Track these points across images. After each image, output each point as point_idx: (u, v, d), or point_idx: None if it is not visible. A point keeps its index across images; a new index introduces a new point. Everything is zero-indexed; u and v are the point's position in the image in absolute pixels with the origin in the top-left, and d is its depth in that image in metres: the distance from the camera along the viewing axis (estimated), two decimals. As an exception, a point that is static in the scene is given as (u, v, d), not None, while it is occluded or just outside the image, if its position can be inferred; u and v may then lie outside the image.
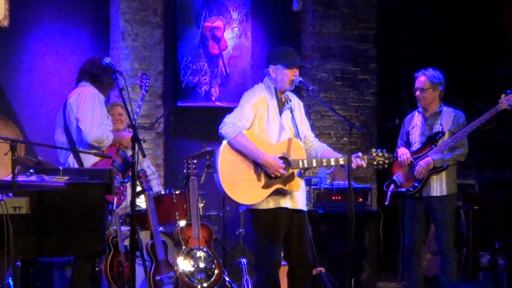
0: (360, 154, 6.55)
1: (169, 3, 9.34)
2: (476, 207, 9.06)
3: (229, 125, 6.45)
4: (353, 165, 6.43)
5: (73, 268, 6.73)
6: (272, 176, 6.40)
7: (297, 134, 6.61)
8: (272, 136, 6.54)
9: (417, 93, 7.95)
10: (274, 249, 6.57)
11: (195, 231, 7.82)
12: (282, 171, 6.39)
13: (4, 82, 8.70)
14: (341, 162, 6.55)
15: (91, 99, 6.76)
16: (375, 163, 6.57)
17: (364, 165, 6.51)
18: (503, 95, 7.57)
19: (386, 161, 6.59)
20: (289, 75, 6.54)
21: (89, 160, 6.74)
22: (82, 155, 6.71)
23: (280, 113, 6.61)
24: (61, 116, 6.91)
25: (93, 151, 6.57)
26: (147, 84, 7.58)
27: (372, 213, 9.01)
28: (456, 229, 8.13)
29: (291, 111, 6.64)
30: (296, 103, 6.72)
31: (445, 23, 10.20)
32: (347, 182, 6.39)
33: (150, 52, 9.13)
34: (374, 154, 6.58)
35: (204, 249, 7.84)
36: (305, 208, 6.66)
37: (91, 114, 6.70)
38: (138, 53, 9.06)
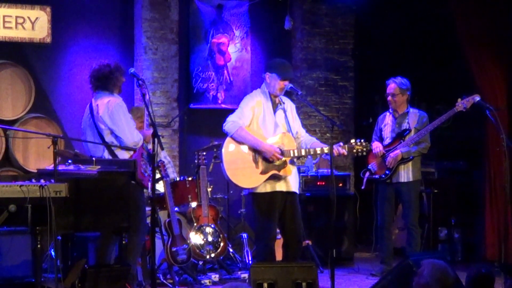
0: (341, 143, 6.53)
1: (183, 23, 9.32)
2: (436, 191, 9.05)
3: (230, 122, 6.51)
4: (335, 153, 6.42)
5: (105, 241, 6.70)
6: (270, 160, 6.40)
7: (289, 130, 6.60)
8: (268, 132, 6.56)
9: (389, 98, 7.95)
10: (270, 226, 6.57)
11: (205, 211, 7.81)
12: (278, 155, 6.39)
13: (47, 88, 8.68)
14: (326, 151, 6.53)
15: (120, 109, 6.53)
16: (354, 151, 6.55)
17: (345, 153, 6.49)
18: (459, 99, 7.57)
19: (364, 149, 6.56)
20: (280, 84, 6.56)
21: (122, 155, 6.65)
22: (117, 152, 6.61)
23: (274, 112, 6.61)
24: (91, 121, 6.67)
25: (118, 145, 6.54)
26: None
27: (350, 196, 8.98)
28: (419, 209, 8.13)
29: (284, 111, 6.64)
30: (289, 105, 6.72)
31: (410, 38, 10.19)
32: (329, 170, 6.36)
33: (168, 64, 9.10)
34: (353, 144, 6.56)
35: (212, 226, 7.83)
36: (297, 191, 6.65)
37: (126, 124, 6.46)
38: (157, 64, 9.03)
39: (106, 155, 6.63)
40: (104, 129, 6.58)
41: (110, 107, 6.54)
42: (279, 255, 7.71)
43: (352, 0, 9.83)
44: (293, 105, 6.79)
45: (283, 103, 6.66)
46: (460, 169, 9.53)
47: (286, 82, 6.58)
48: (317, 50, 9.92)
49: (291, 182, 6.58)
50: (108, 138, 6.59)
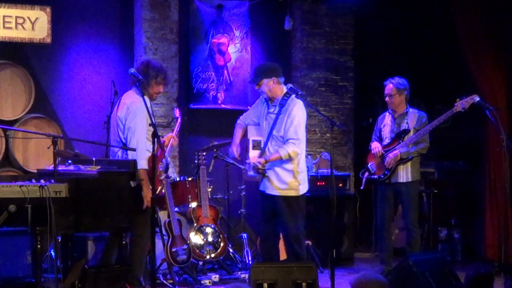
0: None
1: (183, 23, 9.32)
2: (435, 191, 9.06)
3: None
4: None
5: (105, 241, 6.70)
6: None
7: (268, 135, 6.73)
8: (258, 134, 6.86)
9: (386, 98, 7.97)
10: (260, 224, 6.92)
11: (205, 211, 7.82)
12: (233, 153, 6.84)
13: (47, 88, 8.68)
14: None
15: (138, 114, 6.46)
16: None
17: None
18: (458, 100, 7.59)
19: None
20: None
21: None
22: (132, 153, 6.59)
23: (266, 116, 6.75)
24: (114, 121, 6.71)
25: (121, 146, 6.53)
26: (181, 116, 7.80)
27: (350, 196, 8.99)
28: (419, 209, 8.14)
29: (277, 116, 6.69)
30: (288, 110, 6.69)
31: (411, 39, 10.21)
32: (329, 170, 6.37)
33: (167, 64, 9.09)
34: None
35: (212, 226, 7.84)
36: (277, 193, 6.69)
37: (139, 136, 6.43)
38: (157, 65, 9.03)
39: (120, 154, 6.62)
40: (121, 127, 6.58)
41: (128, 111, 6.52)
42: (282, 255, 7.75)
43: (352, 0, 9.83)
44: (293, 110, 6.70)
45: (280, 106, 6.69)
46: (460, 169, 9.53)
47: (256, 87, 6.81)
48: (317, 50, 9.93)
49: (268, 185, 6.72)
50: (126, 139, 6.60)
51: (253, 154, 6.73)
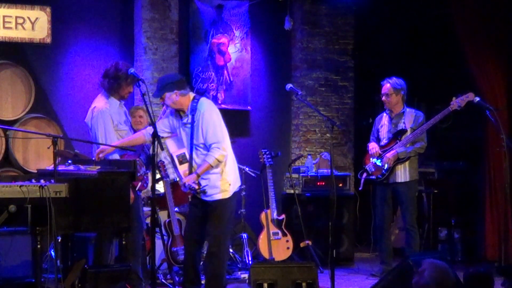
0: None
1: (183, 23, 9.32)
2: (436, 191, 9.07)
3: None
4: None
5: (102, 241, 6.69)
6: None
7: (190, 148, 6.52)
8: (178, 147, 6.68)
9: (383, 98, 8.00)
10: (187, 232, 6.76)
11: (205, 211, 7.81)
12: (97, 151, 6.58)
13: (47, 88, 8.68)
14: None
15: (101, 120, 6.58)
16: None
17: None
18: (453, 98, 7.63)
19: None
20: None
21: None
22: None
23: (181, 128, 6.60)
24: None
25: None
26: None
27: (350, 196, 8.99)
28: (419, 209, 8.15)
29: (191, 125, 6.51)
30: (200, 115, 6.52)
31: (411, 39, 10.21)
32: (329, 170, 6.37)
33: (167, 64, 9.10)
34: None
35: (212, 226, 7.83)
36: (211, 198, 6.52)
37: (102, 136, 6.56)
38: (157, 65, 9.03)
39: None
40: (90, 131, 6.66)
41: (93, 116, 6.62)
42: (279, 255, 7.75)
43: (352, 0, 9.84)
44: (204, 115, 6.52)
45: (191, 115, 6.51)
46: (460, 169, 9.54)
47: (159, 100, 6.64)
48: (317, 50, 9.93)
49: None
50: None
51: (183, 168, 6.50)
